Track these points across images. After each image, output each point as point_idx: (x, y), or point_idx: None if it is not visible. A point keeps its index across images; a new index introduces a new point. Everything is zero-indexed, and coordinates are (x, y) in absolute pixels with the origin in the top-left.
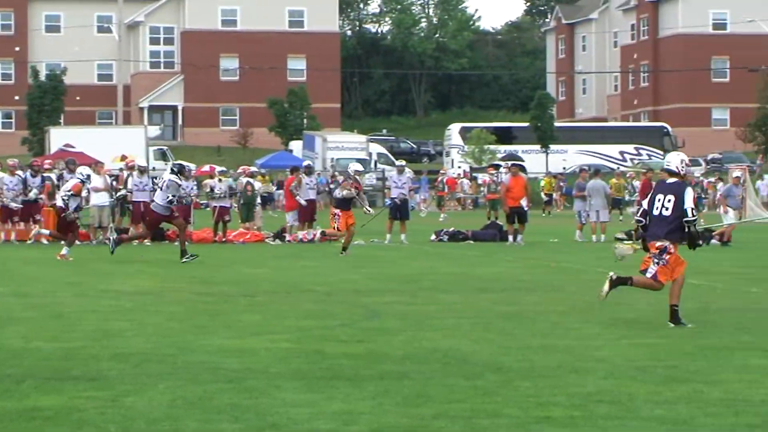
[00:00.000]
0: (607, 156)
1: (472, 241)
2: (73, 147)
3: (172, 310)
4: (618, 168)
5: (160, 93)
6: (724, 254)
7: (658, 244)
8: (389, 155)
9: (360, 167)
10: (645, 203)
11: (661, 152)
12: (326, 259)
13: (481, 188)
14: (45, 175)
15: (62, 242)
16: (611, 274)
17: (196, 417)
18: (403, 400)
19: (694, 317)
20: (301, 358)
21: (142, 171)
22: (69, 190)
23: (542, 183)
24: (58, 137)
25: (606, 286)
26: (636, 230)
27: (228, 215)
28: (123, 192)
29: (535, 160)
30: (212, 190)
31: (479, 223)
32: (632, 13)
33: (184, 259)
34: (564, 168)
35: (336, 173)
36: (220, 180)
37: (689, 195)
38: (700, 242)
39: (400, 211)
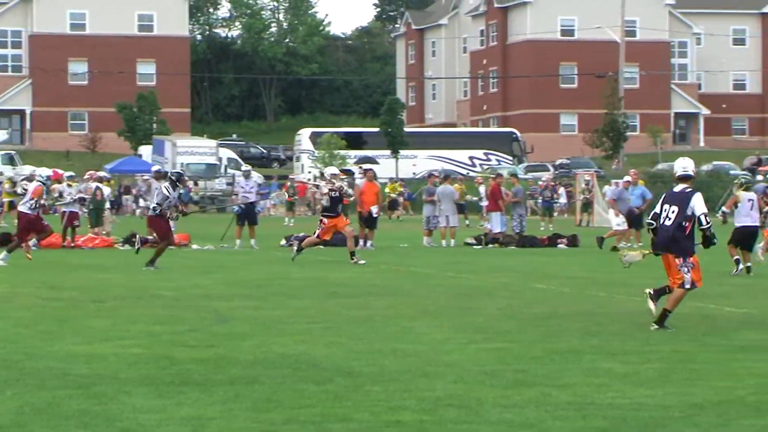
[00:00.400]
0: (457, 161)
1: (322, 246)
2: None
3: (19, 316)
4: (467, 173)
5: (8, 97)
6: (572, 258)
7: (674, 255)
8: (239, 160)
9: (335, 170)
10: (657, 207)
11: (510, 157)
12: (175, 266)
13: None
14: None
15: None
16: (648, 290)
17: (44, 423)
18: (253, 405)
19: (542, 322)
20: (151, 364)
21: None
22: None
23: (387, 189)
24: None
25: (651, 305)
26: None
27: (77, 220)
28: None
29: (385, 166)
30: (61, 195)
31: None
32: (481, 19)
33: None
34: (414, 173)
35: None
36: (69, 185)
37: (699, 202)
38: (715, 241)
39: (248, 216)
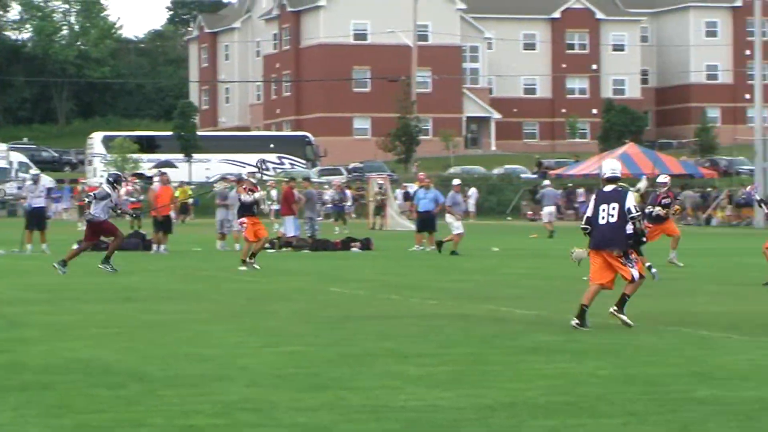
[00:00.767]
0: (251, 165)
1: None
2: None
3: None
4: (261, 177)
5: None
6: (366, 262)
7: (616, 253)
8: (30, 164)
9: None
10: (589, 211)
11: (304, 161)
12: None
13: (125, 198)
14: None
15: None
16: (611, 309)
17: None
18: (44, 411)
19: (337, 325)
20: None
21: None
22: None
23: (177, 193)
24: None
25: (621, 317)
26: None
27: None
28: None
29: (179, 169)
30: None
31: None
32: (275, 23)
33: None
34: (207, 177)
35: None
36: None
37: (630, 197)
38: (645, 239)
39: (37, 221)
